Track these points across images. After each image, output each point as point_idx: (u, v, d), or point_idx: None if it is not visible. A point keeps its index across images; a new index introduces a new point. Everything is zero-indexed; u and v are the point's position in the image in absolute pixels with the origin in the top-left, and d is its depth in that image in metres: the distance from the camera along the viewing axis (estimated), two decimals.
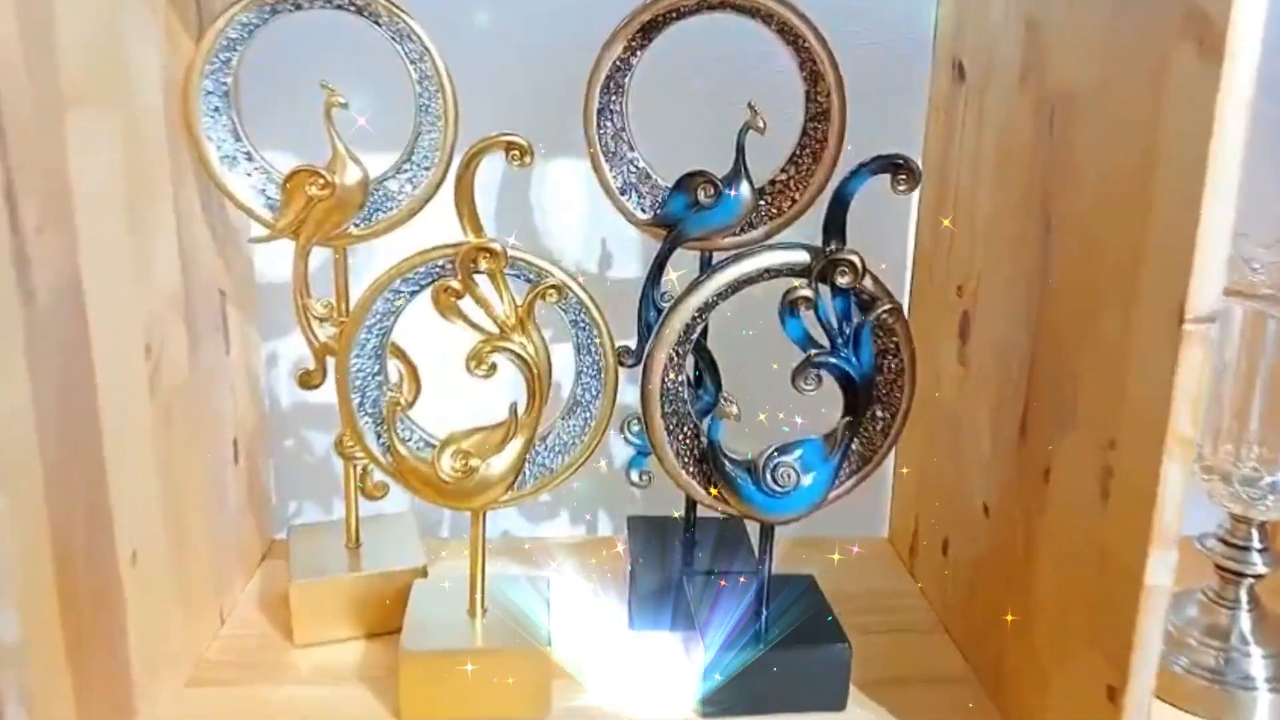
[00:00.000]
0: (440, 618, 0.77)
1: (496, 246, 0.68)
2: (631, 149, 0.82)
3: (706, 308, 0.72)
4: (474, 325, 0.71)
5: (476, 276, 0.70)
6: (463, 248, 0.68)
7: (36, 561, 0.57)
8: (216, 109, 0.77)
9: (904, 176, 0.68)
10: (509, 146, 0.66)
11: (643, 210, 0.82)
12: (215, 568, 0.85)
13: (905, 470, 1.00)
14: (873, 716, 0.76)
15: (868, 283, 0.71)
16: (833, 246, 0.70)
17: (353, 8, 0.77)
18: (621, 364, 0.81)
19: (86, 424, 0.63)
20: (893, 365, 0.74)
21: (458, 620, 0.77)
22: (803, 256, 0.71)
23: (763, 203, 0.82)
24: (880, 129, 0.79)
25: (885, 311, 0.71)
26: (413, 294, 0.71)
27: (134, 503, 0.69)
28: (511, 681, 0.73)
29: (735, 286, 0.71)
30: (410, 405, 0.81)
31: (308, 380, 0.81)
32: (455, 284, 0.69)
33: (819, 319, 0.72)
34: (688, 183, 0.79)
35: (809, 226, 0.77)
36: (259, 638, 0.85)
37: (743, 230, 0.82)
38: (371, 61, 0.81)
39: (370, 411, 0.73)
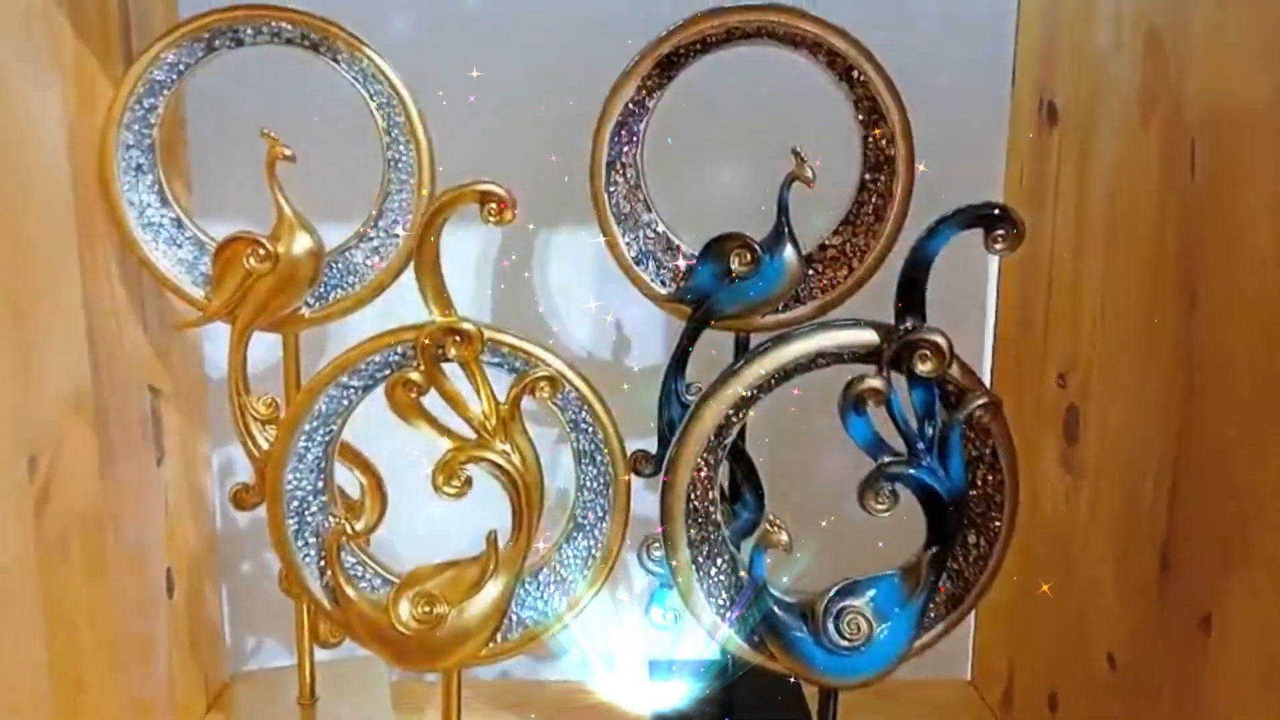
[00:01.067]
0: None
1: (469, 328, 0.52)
2: (648, 209, 0.67)
3: (744, 403, 0.55)
4: (443, 430, 0.54)
5: (446, 366, 0.54)
6: (425, 329, 0.53)
7: None
8: (139, 167, 0.63)
9: (1002, 232, 0.52)
10: (484, 198, 0.51)
11: (663, 283, 0.67)
12: None
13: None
14: None
15: (954, 371, 0.54)
16: (909, 324, 0.54)
17: (306, 42, 0.63)
18: (638, 473, 0.65)
19: None
20: (989, 478, 0.57)
21: None
22: (869, 337, 0.54)
23: (812, 273, 0.66)
24: (949, 183, 0.64)
25: (980, 407, 0.54)
26: (364, 390, 0.56)
27: (6, 667, 0.53)
28: None
29: (781, 376, 0.55)
30: (369, 530, 0.65)
31: (242, 499, 0.65)
32: (416, 376, 0.53)
33: (892, 417, 0.55)
34: (718, 248, 0.64)
35: (870, 302, 0.61)
36: None
37: (787, 306, 0.66)
38: (334, 107, 0.66)
39: (311, 541, 0.57)
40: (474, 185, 0.51)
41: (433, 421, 0.54)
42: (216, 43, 0.62)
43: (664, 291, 0.67)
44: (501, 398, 0.55)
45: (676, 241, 0.67)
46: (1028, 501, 0.68)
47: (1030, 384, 0.73)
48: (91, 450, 0.63)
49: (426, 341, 0.53)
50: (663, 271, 0.67)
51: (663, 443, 0.66)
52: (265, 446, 0.64)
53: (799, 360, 0.54)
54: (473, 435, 0.55)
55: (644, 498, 0.63)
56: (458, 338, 0.52)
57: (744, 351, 0.67)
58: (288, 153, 0.61)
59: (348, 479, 0.66)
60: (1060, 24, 0.70)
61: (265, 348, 0.70)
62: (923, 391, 0.54)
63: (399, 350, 0.54)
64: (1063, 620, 0.69)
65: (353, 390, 0.55)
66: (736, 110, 0.78)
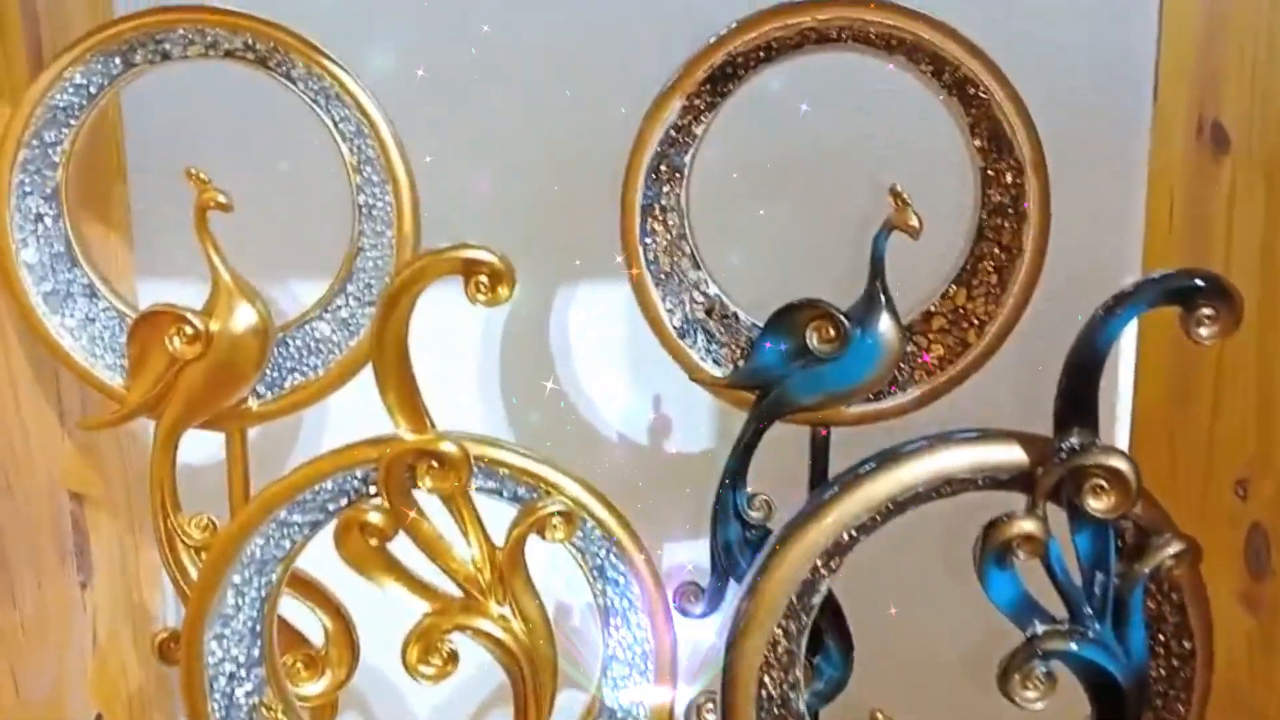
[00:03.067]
0: None
1: (449, 449, 0.37)
2: (696, 266, 0.51)
3: (838, 550, 0.39)
4: (418, 587, 0.39)
5: (421, 494, 0.39)
6: (390, 448, 0.38)
7: None
8: (39, 217, 0.49)
9: (1210, 312, 0.36)
10: (468, 268, 0.35)
11: (716, 361, 0.51)
12: None
13: None
14: None
15: (1137, 510, 0.38)
16: (1075, 441, 0.38)
17: (251, 55, 0.48)
18: (683, 613, 0.50)
19: None
20: (1175, 647, 0.40)
21: None
22: (1018, 456, 0.39)
23: (911, 349, 0.50)
24: (1066, 229, 0.48)
25: (1173, 557, 0.38)
26: (313, 527, 0.40)
27: None
28: None
29: (890, 510, 0.39)
30: (336, 687, 0.50)
31: (169, 652, 0.50)
32: (377, 518, 0.38)
33: (1050, 570, 0.39)
34: (790, 320, 0.48)
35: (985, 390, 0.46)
36: None
37: (880, 393, 0.50)
38: (304, 136, 0.52)
39: None
40: (454, 251, 0.36)
41: (403, 575, 0.39)
42: (136, 57, 0.48)
43: (717, 373, 0.51)
44: (499, 540, 0.39)
45: (733, 308, 0.51)
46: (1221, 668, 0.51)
47: (1189, 490, 0.56)
48: None
49: (391, 466, 0.37)
50: (715, 346, 0.52)
51: (718, 569, 0.51)
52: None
53: (917, 488, 0.39)
54: (459, 594, 0.39)
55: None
56: (434, 463, 0.37)
57: (823, 452, 0.51)
58: (222, 199, 0.46)
59: (307, 621, 0.51)
60: (1227, 16, 0.54)
61: (212, 448, 0.55)
62: (1092, 535, 0.39)
63: (357, 475, 0.39)
64: None
65: (296, 528, 0.40)
66: (809, 138, 0.62)
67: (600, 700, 0.42)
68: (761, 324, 0.50)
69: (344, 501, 0.40)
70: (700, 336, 0.52)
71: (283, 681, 0.42)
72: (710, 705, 0.50)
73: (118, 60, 0.48)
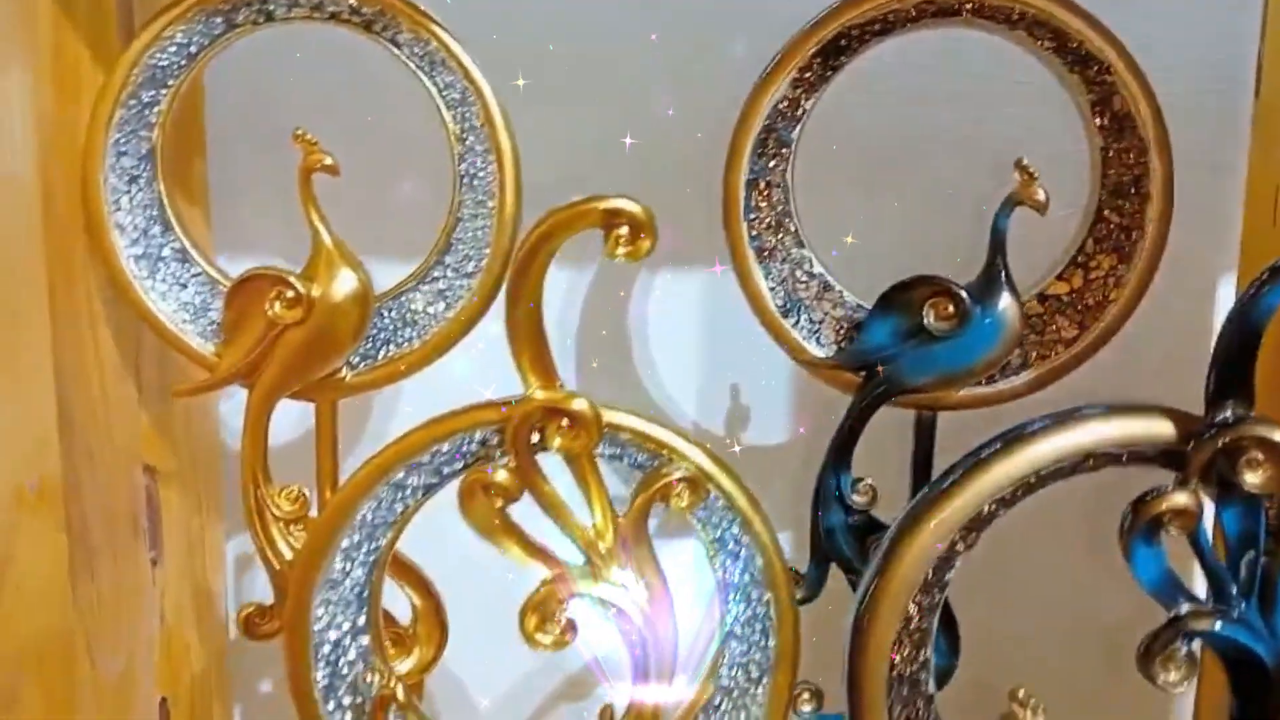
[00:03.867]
0: None
1: (582, 407, 0.36)
2: (800, 244, 0.50)
3: (979, 523, 0.38)
4: (538, 553, 0.38)
5: (543, 457, 0.37)
6: (519, 407, 0.36)
7: None
8: (133, 180, 0.48)
9: None
10: (609, 219, 0.34)
11: (819, 343, 0.50)
12: None
13: None
14: None
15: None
16: (1229, 414, 0.36)
17: (356, 19, 0.47)
18: None
19: None
20: None
21: None
22: (1167, 429, 0.37)
23: (1028, 331, 0.49)
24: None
25: None
26: (426, 492, 0.39)
27: None
28: None
29: (1031, 484, 0.38)
30: (423, 668, 0.48)
31: (254, 626, 0.49)
32: (503, 475, 0.36)
33: (1198, 548, 0.38)
34: (904, 298, 0.47)
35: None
36: None
37: (991, 378, 0.49)
38: (394, 106, 0.51)
39: (346, 702, 0.40)
40: (594, 203, 0.34)
41: (523, 540, 0.38)
42: (239, 17, 0.47)
43: (821, 353, 0.50)
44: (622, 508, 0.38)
45: (839, 287, 0.50)
46: None
47: None
48: (58, 555, 0.47)
49: (520, 425, 0.36)
50: (819, 328, 0.50)
51: (818, 557, 0.49)
52: (288, 555, 0.48)
53: (1061, 462, 0.37)
54: (580, 560, 0.38)
55: None
56: (565, 421, 0.36)
57: (929, 437, 0.49)
58: (328, 161, 0.45)
59: (394, 597, 0.50)
60: None
61: (292, 421, 0.53)
62: (1241, 513, 0.37)
63: (477, 438, 0.38)
64: None
65: (410, 491, 0.39)
66: (925, 114, 0.60)
67: (717, 678, 0.40)
68: (868, 305, 0.49)
69: (460, 465, 0.38)
70: (804, 316, 0.50)
71: (386, 652, 0.40)
72: (805, 695, 0.49)
73: (220, 20, 0.47)
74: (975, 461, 0.38)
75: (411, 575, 0.49)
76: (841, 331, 0.50)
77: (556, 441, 0.36)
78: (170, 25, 0.46)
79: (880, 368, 0.48)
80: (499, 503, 0.37)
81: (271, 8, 0.47)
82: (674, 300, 0.64)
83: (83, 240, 0.48)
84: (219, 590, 0.66)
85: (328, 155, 0.45)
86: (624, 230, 0.34)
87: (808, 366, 0.50)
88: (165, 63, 0.47)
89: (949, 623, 0.48)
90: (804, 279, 0.50)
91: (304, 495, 0.48)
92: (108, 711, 0.52)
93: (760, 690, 0.40)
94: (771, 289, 0.50)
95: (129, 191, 0.48)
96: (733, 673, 0.41)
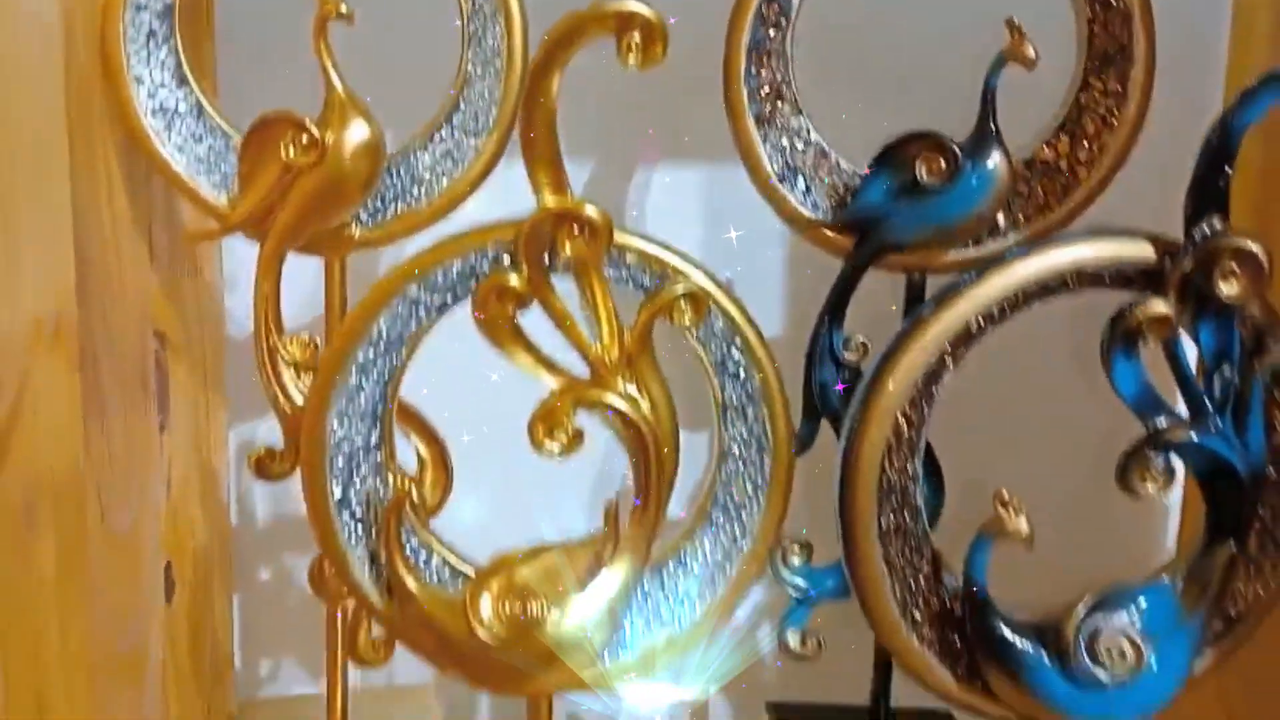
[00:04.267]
0: None
1: (593, 214, 0.37)
2: (798, 112, 0.52)
3: (968, 338, 0.40)
4: (547, 364, 0.39)
5: (555, 273, 0.39)
6: (532, 218, 0.38)
7: None
8: (151, 34, 0.49)
9: None
10: (622, 24, 0.36)
11: (815, 208, 0.52)
12: None
13: None
14: None
15: (1253, 307, 0.39)
16: (1208, 228, 0.38)
17: None
18: None
19: None
20: None
21: None
22: (1144, 249, 0.39)
23: (1016, 196, 0.51)
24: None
25: None
26: (440, 310, 0.41)
27: None
28: None
29: (1021, 299, 0.40)
30: (433, 510, 0.50)
31: (267, 465, 0.50)
32: (517, 281, 0.38)
33: (1175, 362, 0.40)
34: (900, 154, 0.49)
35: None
36: None
37: (979, 240, 0.51)
38: None
39: (359, 513, 0.41)
40: (607, 5, 0.36)
41: (532, 350, 0.39)
42: None
43: (815, 216, 0.51)
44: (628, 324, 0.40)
45: (834, 154, 0.52)
46: None
47: None
48: (71, 395, 0.48)
49: (533, 232, 0.38)
50: (815, 194, 0.52)
51: (811, 411, 0.51)
52: (299, 401, 0.49)
53: (1050, 277, 0.39)
54: (587, 373, 0.40)
55: None
56: (577, 228, 0.38)
57: (919, 298, 0.51)
58: (344, 8, 0.47)
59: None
60: None
61: (302, 278, 0.55)
62: (1216, 328, 0.39)
63: (490, 255, 0.39)
64: None
65: (426, 308, 0.40)
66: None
67: (714, 495, 0.42)
68: (863, 172, 0.51)
69: (473, 283, 0.40)
70: (799, 182, 0.52)
71: (397, 468, 0.42)
72: (795, 548, 0.51)
73: None
74: (964, 283, 0.40)
75: (416, 422, 0.51)
76: (836, 197, 0.52)
77: (568, 248, 0.38)
78: None
79: (873, 227, 0.50)
80: (511, 308, 0.38)
81: None
82: (685, 172, 0.66)
83: (102, 93, 0.49)
84: (222, 472, 0.67)
85: (342, 3, 0.46)
86: (637, 36, 0.36)
87: (804, 229, 0.51)
88: None
89: (934, 469, 0.50)
90: (801, 146, 0.52)
91: (314, 342, 0.50)
92: (117, 565, 0.53)
93: (756, 504, 0.42)
94: (769, 155, 0.52)
95: (147, 46, 0.49)
96: (727, 490, 0.42)
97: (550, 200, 0.38)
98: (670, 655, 0.42)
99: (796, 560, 0.50)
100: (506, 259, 0.39)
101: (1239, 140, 0.37)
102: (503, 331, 0.39)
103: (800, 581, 0.51)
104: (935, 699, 0.43)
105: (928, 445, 0.49)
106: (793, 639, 0.51)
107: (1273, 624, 0.42)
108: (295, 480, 0.68)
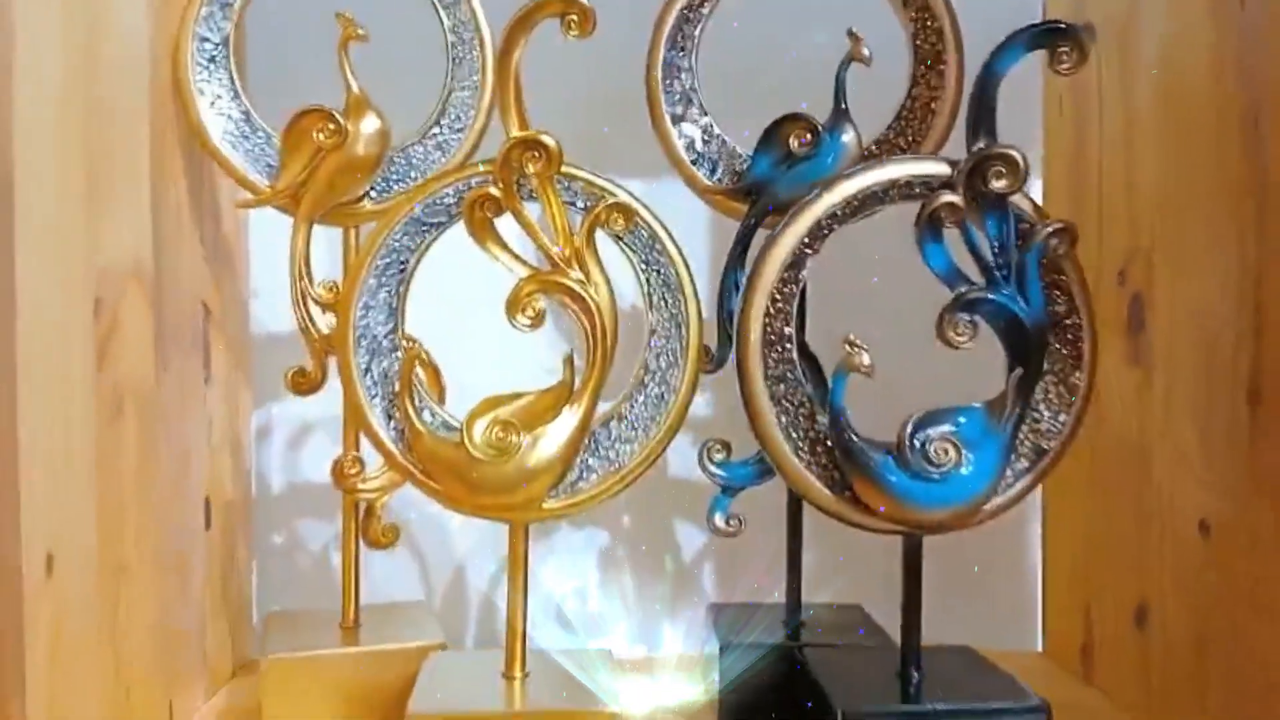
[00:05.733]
0: (463, 682, 0.56)
1: (548, 140, 0.53)
2: (703, 113, 0.68)
3: (817, 235, 0.55)
4: (515, 257, 0.54)
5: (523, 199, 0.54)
6: (505, 145, 0.53)
7: None
8: (212, 59, 0.65)
9: (1066, 50, 0.54)
10: (565, 7, 0.52)
11: (719, 181, 0.68)
12: (167, 655, 0.63)
13: (1059, 559, 0.79)
14: None
15: (1023, 204, 0.55)
16: (981, 143, 0.54)
17: None
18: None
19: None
20: (1066, 324, 0.56)
21: (488, 684, 0.55)
22: (941, 167, 0.55)
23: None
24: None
25: (1053, 234, 0.54)
26: (439, 226, 0.55)
27: (51, 500, 0.50)
28: None
29: (854, 207, 0.55)
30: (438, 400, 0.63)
31: (302, 381, 0.64)
32: (495, 191, 0.53)
33: (970, 245, 0.55)
34: (778, 132, 0.65)
35: None
36: None
37: None
38: (398, 12, 0.68)
39: (380, 383, 0.55)
40: None
41: (506, 248, 0.54)
42: None
43: (720, 185, 0.67)
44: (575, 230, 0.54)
45: (731, 141, 0.68)
46: (1090, 417, 0.66)
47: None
48: (148, 326, 0.61)
49: (506, 155, 0.53)
50: (718, 175, 0.68)
51: (721, 337, 0.65)
52: (325, 331, 0.63)
53: (873, 187, 0.55)
54: (546, 266, 0.54)
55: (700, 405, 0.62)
56: (537, 150, 0.53)
57: None
58: (361, 32, 0.63)
59: None
60: None
61: (323, 249, 0.69)
62: (997, 220, 0.54)
63: (474, 182, 0.55)
64: (1144, 520, 0.66)
65: (427, 228, 0.55)
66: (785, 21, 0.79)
67: (645, 364, 0.56)
68: (751, 151, 0.67)
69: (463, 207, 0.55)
70: (706, 165, 0.68)
71: (406, 343, 0.55)
72: (717, 446, 0.64)
73: None
74: (812, 195, 0.55)
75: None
76: (732, 172, 0.68)
77: (530, 168, 0.53)
78: None
79: (762, 192, 0.66)
80: (490, 214, 0.53)
81: None
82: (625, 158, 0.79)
83: (174, 100, 0.64)
84: (246, 442, 0.80)
85: (361, 28, 0.63)
86: (574, 17, 0.52)
87: (712, 196, 0.67)
88: None
89: (816, 366, 0.64)
90: (706, 139, 0.68)
91: (336, 286, 0.64)
92: (174, 476, 0.65)
93: (677, 370, 0.56)
94: (686, 146, 0.68)
95: (208, 68, 0.65)
96: (656, 360, 0.56)
97: (518, 132, 0.53)
98: (620, 489, 0.56)
99: (719, 457, 0.64)
100: (487, 182, 0.54)
101: (997, 82, 0.54)
102: (486, 233, 0.53)
103: (722, 473, 0.64)
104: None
105: (811, 353, 0.64)
106: (719, 520, 0.64)
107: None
108: (304, 460, 0.82)
